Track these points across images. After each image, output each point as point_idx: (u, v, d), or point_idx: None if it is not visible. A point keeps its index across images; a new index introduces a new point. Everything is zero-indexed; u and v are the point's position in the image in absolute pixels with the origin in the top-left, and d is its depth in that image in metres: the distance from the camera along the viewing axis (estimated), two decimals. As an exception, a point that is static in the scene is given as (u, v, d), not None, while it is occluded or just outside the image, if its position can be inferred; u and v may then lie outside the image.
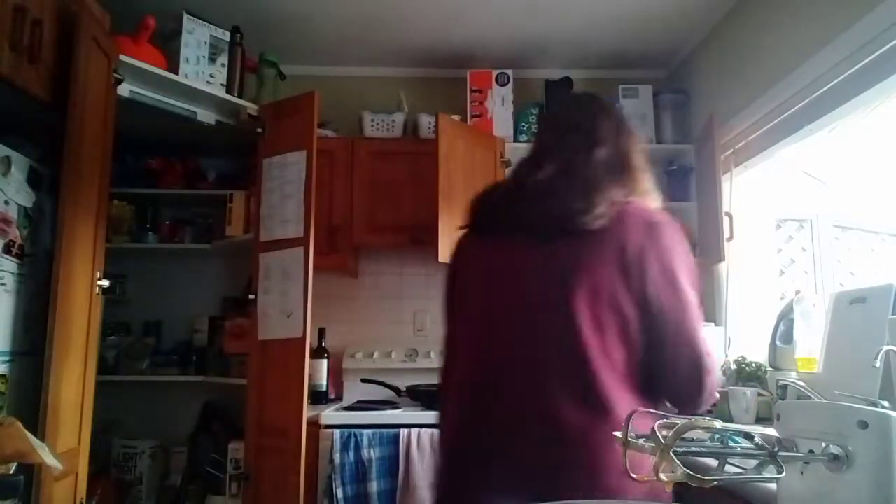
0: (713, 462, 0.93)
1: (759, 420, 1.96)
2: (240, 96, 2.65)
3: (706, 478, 0.77)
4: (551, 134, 1.32)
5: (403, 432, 2.30)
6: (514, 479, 1.09)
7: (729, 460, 1.09)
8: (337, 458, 2.25)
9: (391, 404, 2.63)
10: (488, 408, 1.15)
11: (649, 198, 1.26)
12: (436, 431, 2.29)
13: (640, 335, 1.12)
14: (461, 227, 1.33)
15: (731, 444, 0.92)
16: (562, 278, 1.12)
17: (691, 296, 1.15)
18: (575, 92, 2.92)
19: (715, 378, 1.17)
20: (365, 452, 2.27)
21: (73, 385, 1.83)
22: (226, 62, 2.59)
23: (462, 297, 1.29)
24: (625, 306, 1.10)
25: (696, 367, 1.14)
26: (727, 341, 2.51)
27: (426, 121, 2.88)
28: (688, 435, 0.79)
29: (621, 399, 1.09)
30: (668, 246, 1.14)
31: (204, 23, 2.51)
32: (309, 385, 2.37)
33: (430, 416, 2.40)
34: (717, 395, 1.24)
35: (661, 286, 1.12)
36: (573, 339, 1.09)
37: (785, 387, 1.65)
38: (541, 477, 1.07)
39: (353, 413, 2.45)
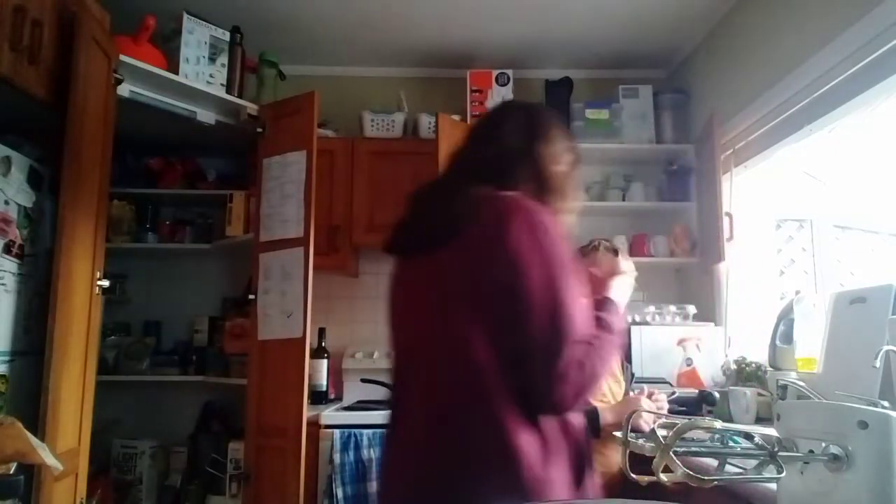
0: (713, 462, 0.93)
1: (759, 420, 1.96)
2: (240, 96, 2.65)
3: (706, 478, 0.77)
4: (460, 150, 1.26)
5: (403, 432, 2.30)
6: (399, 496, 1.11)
7: (729, 460, 1.10)
8: (337, 457, 2.25)
9: (391, 404, 2.63)
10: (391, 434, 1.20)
11: (558, 195, 1.16)
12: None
13: (504, 328, 1.00)
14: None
15: (731, 444, 0.92)
16: (416, 294, 1.21)
17: (563, 289, 1.00)
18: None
19: (573, 389, 0.99)
20: (365, 452, 2.27)
21: (73, 385, 1.83)
22: (226, 62, 2.59)
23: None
24: (483, 303, 1.03)
25: (548, 361, 0.98)
26: (727, 341, 2.51)
27: (426, 121, 2.88)
28: (688, 435, 0.79)
29: (478, 420, 1.00)
30: (518, 236, 1.01)
31: (204, 23, 2.51)
32: (309, 385, 2.38)
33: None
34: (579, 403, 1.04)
35: (517, 269, 1.00)
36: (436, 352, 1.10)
37: (785, 387, 1.65)
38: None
39: (353, 413, 2.45)
